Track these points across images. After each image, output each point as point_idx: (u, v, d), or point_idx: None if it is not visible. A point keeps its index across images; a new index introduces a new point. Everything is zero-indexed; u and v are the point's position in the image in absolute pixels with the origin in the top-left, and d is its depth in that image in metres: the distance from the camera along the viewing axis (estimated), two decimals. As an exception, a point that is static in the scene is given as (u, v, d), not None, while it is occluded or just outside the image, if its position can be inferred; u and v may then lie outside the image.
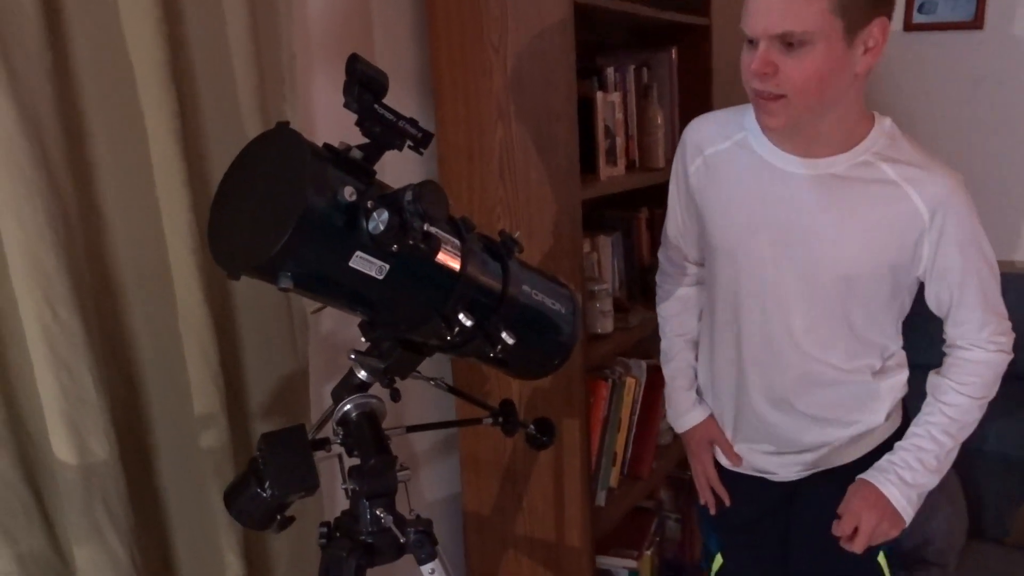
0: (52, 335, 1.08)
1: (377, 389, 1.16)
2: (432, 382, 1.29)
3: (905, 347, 1.45)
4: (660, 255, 1.64)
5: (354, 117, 1.00)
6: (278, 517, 1.11)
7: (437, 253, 1.02)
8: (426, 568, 1.15)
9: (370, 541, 1.13)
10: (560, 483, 1.88)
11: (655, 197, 2.17)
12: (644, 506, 2.33)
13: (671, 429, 1.84)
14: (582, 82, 1.87)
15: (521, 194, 1.79)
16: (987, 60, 2.27)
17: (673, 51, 2.29)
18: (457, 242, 1.07)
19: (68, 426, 1.12)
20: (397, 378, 1.16)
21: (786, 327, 1.38)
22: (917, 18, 2.30)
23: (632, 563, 2.11)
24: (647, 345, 2.03)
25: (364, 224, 0.95)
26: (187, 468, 1.34)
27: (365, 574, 1.13)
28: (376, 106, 0.99)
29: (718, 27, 2.28)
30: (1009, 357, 1.38)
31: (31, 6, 1.08)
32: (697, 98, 2.29)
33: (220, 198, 1.02)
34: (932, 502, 1.48)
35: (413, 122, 1.02)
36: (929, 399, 1.39)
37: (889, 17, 1.21)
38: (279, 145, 0.99)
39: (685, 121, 1.52)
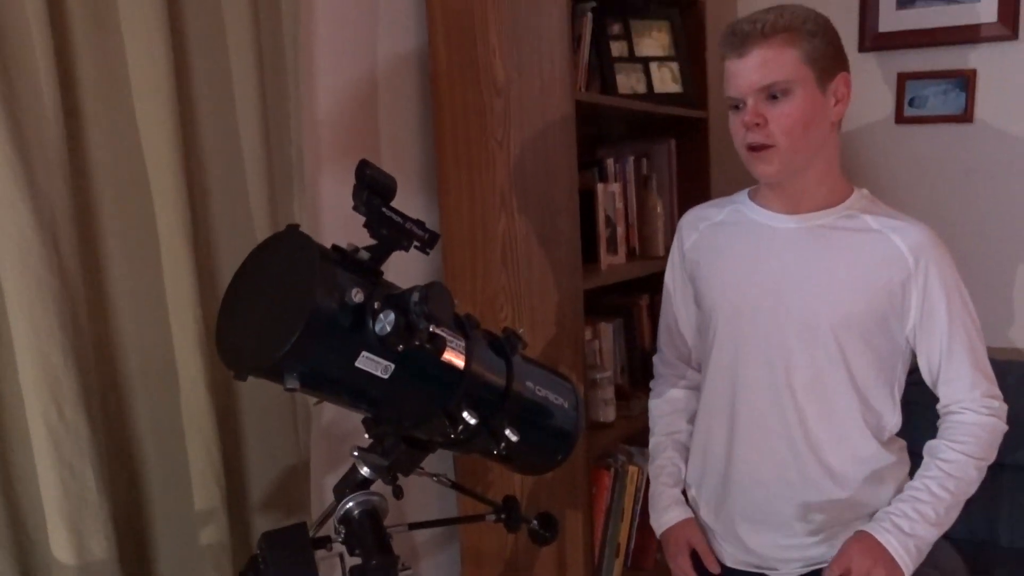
0: (57, 434, 1.09)
1: (379, 485, 1.15)
2: (435, 478, 1.28)
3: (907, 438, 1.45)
4: (655, 359, 1.68)
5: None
6: (279, 618, 1.08)
7: (442, 353, 1.03)
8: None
9: (371, 642, 1.11)
10: (563, 576, 1.84)
11: (655, 284, 2.20)
12: (649, 598, 2.28)
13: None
14: (583, 173, 1.92)
15: (524, 283, 1.82)
16: (978, 152, 2.32)
17: (672, 142, 2.35)
18: (462, 341, 1.08)
19: (68, 526, 1.11)
20: (400, 475, 1.16)
21: (788, 386, 1.39)
22: (908, 111, 2.37)
23: (637, 658, 2.06)
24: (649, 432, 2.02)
25: (371, 325, 0.96)
26: (186, 565, 1.32)
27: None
28: (384, 209, 1.01)
29: (715, 119, 2.34)
30: (1003, 425, 1.39)
31: (51, 109, 1.12)
32: (695, 187, 2.34)
33: (229, 299, 1.04)
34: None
35: (420, 224, 1.04)
36: (926, 459, 1.40)
37: (848, 72, 1.38)
38: (288, 247, 1.01)
39: (684, 209, 1.60)
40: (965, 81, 2.30)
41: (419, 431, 1.12)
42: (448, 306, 0.99)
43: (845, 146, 2.44)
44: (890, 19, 2.38)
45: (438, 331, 1.00)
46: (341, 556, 1.16)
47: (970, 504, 1.38)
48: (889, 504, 1.40)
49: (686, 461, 1.60)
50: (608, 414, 1.97)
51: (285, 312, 0.95)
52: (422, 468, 1.19)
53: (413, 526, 1.29)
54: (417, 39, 1.91)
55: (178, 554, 1.31)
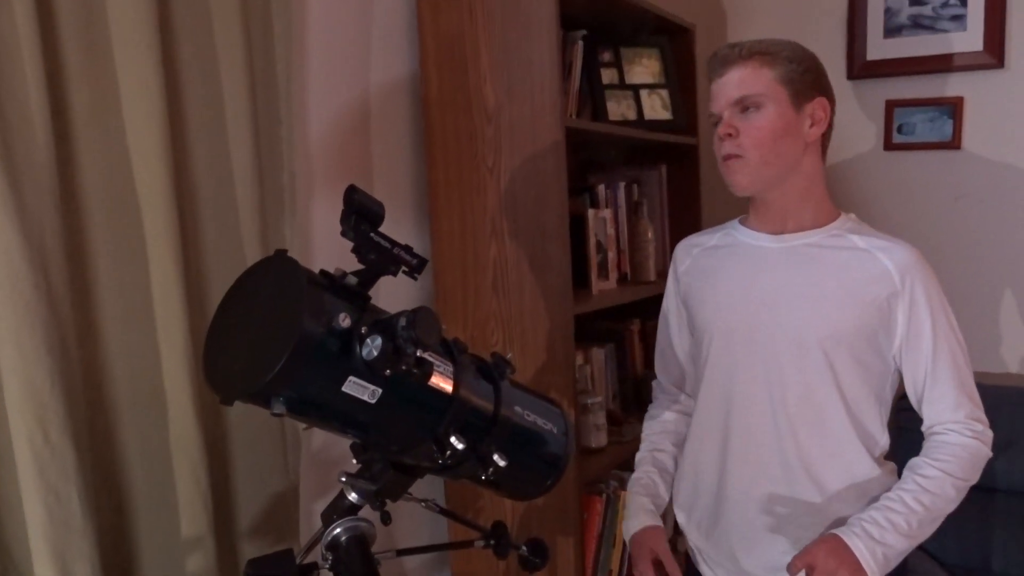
0: (42, 459, 1.08)
1: (367, 511, 1.15)
2: (424, 504, 1.28)
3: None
4: (654, 383, 1.71)
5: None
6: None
7: (430, 378, 1.03)
8: None
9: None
10: (554, 604, 1.83)
11: (647, 310, 2.20)
12: (641, 626, 2.26)
13: (667, 546, 1.80)
14: (574, 199, 1.93)
15: (514, 308, 1.82)
16: (966, 178, 2.34)
17: (663, 168, 2.36)
18: (450, 366, 1.07)
19: (52, 552, 1.10)
20: (388, 500, 1.15)
21: (781, 401, 1.40)
22: (897, 138, 2.39)
23: None
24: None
25: (358, 350, 0.96)
26: (171, 592, 1.30)
27: None
28: (372, 235, 1.01)
29: (705, 145, 2.36)
30: (986, 450, 1.39)
31: (42, 133, 1.13)
32: (686, 213, 2.35)
33: (216, 324, 1.04)
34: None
35: (408, 249, 1.05)
36: (905, 474, 1.40)
37: (829, 100, 1.43)
38: (276, 272, 1.01)
39: (675, 235, 1.62)
40: (952, 108, 2.32)
41: (407, 456, 1.11)
42: (436, 331, 1.00)
43: (834, 173, 2.46)
44: (877, 47, 2.42)
45: (426, 356, 1.00)
46: (328, 583, 1.15)
47: (963, 530, 1.38)
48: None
49: (665, 479, 1.61)
50: (600, 439, 1.96)
51: (272, 337, 0.95)
52: (410, 494, 1.18)
53: (401, 552, 1.28)
54: (409, 65, 1.93)
55: (164, 581, 1.30)
